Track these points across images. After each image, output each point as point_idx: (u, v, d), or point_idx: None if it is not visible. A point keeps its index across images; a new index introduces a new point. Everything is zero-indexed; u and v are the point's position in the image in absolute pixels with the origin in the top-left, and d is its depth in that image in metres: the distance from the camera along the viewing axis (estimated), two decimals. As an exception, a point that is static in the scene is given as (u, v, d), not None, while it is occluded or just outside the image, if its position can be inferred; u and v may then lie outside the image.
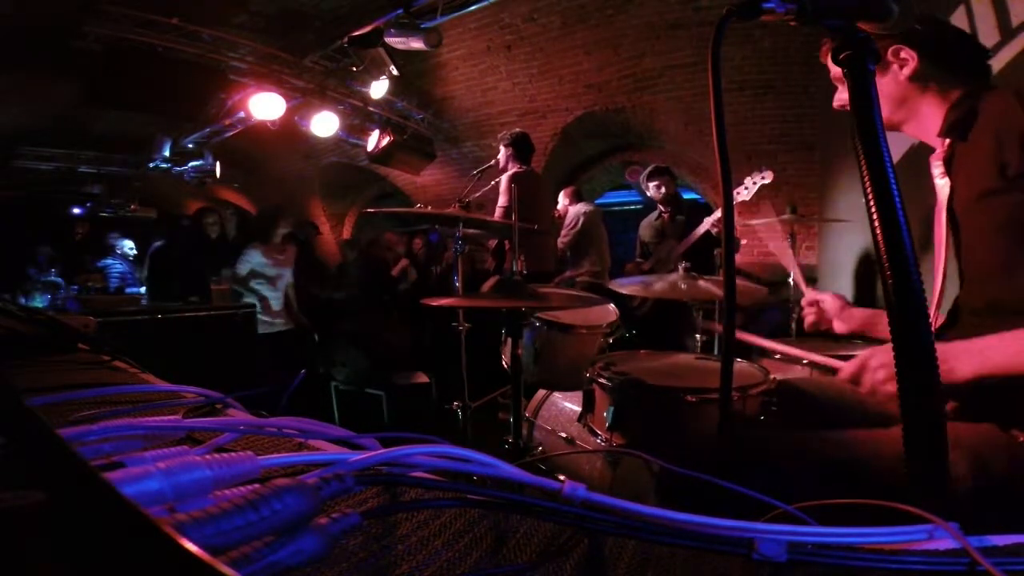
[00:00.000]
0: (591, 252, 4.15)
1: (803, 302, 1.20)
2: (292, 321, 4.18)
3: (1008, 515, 0.79)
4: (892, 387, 0.88)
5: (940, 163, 1.05)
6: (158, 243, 5.42)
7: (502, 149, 3.49)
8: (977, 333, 0.85)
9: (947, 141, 1.02)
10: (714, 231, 3.37)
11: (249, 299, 4.00)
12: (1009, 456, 0.82)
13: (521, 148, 3.48)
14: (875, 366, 0.90)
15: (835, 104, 1.16)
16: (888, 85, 1.03)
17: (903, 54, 1.01)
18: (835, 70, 1.15)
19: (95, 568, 0.17)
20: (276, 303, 4.08)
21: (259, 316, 3.99)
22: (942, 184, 1.04)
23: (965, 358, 0.82)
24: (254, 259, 4.02)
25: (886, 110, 1.07)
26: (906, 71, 1.01)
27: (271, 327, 4.05)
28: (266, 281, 4.04)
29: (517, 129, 3.56)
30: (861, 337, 2.21)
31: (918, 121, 1.06)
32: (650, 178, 3.81)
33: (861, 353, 0.93)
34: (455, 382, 2.36)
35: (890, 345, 0.98)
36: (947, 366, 0.79)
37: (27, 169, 7.48)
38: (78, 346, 1.05)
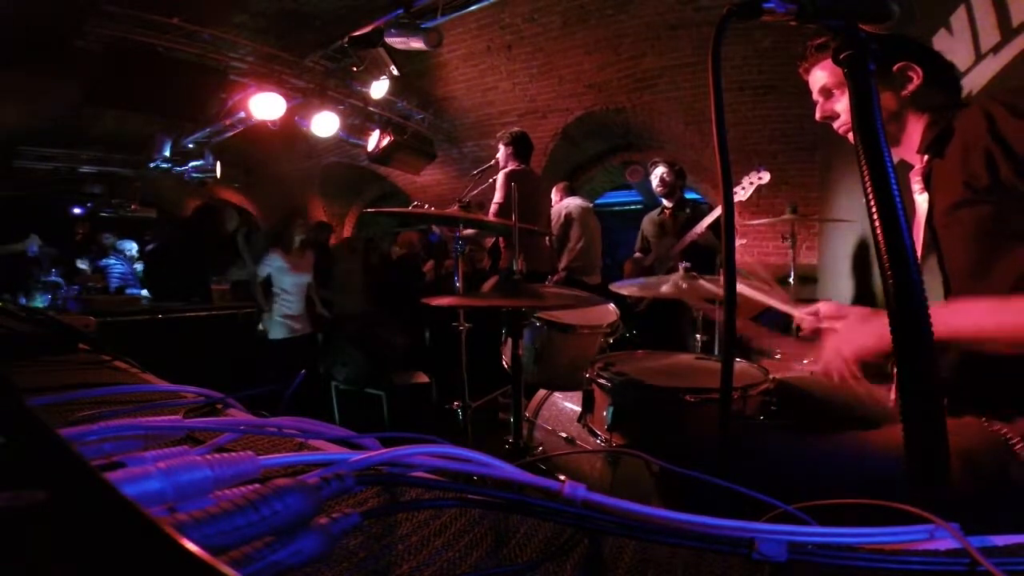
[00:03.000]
0: (572, 248, 4.15)
1: (797, 320, 1.20)
2: (311, 324, 4.15)
3: (998, 512, 0.80)
4: (848, 372, 0.96)
5: (919, 179, 1.09)
6: (153, 244, 5.42)
7: (501, 148, 3.48)
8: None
9: (925, 157, 1.05)
10: (697, 234, 3.37)
11: (277, 300, 3.97)
12: (994, 452, 0.83)
13: (520, 147, 3.48)
14: (832, 356, 0.98)
15: (817, 116, 1.19)
16: (888, 99, 1.06)
17: (910, 72, 1.04)
18: (815, 83, 1.18)
19: (96, 568, 0.17)
20: (295, 308, 4.05)
21: (278, 319, 3.98)
22: (921, 199, 1.09)
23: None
24: (275, 263, 3.94)
25: None
26: (910, 88, 1.04)
27: (291, 333, 4.01)
28: (284, 288, 3.98)
29: (516, 128, 3.56)
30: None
31: (904, 137, 1.09)
32: (655, 165, 3.79)
33: (826, 344, 1.01)
34: (455, 382, 2.36)
35: (840, 328, 1.02)
36: None
37: (27, 169, 7.48)
38: (78, 346, 1.05)
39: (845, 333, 1.01)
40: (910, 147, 1.09)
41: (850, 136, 1.16)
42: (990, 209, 0.89)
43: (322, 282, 4.32)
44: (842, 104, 1.13)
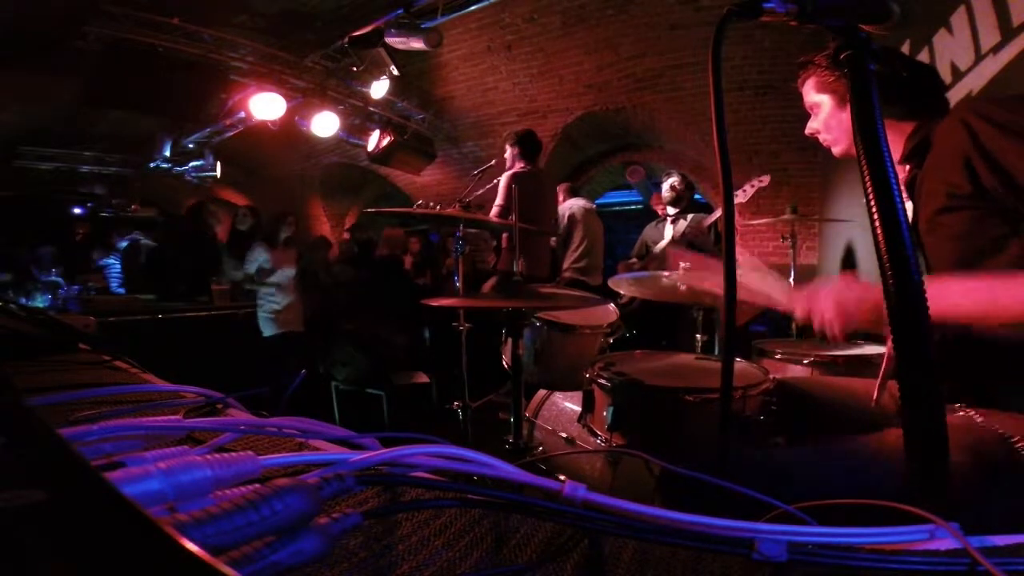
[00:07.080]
0: (575, 249, 4.15)
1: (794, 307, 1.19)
2: (303, 322, 4.19)
3: (998, 512, 0.80)
4: (838, 325, 0.95)
5: (903, 188, 1.10)
6: (150, 244, 5.43)
7: (508, 148, 3.47)
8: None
9: (908, 167, 1.08)
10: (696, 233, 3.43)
11: (263, 297, 4.01)
12: (995, 451, 0.83)
13: (527, 147, 3.45)
14: (821, 305, 0.97)
15: (806, 131, 1.23)
16: (848, 119, 1.07)
17: None
18: (808, 99, 1.20)
19: (95, 568, 0.17)
20: (281, 303, 4.08)
21: (265, 316, 4.00)
22: (906, 208, 1.09)
23: None
24: (259, 258, 4.01)
25: (846, 141, 1.15)
26: None
27: (281, 328, 4.04)
28: (268, 282, 4.04)
29: (523, 128, 3.54)
30: (864, 336, 2.21)
31: None
32: (668, 175, 3.86)
33: (811, 289, 1.00)
34: (455, 382, 2.36)
35: (835, 282, 1.01)
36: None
37: (27, 169, 7.48)
38: (78, 346, 1.05)
39: (830, 296, 0.98)
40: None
41: (833, 149, 1.19)
42: (973, 215, 0.91)
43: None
44: (818, 121, 1.19)
